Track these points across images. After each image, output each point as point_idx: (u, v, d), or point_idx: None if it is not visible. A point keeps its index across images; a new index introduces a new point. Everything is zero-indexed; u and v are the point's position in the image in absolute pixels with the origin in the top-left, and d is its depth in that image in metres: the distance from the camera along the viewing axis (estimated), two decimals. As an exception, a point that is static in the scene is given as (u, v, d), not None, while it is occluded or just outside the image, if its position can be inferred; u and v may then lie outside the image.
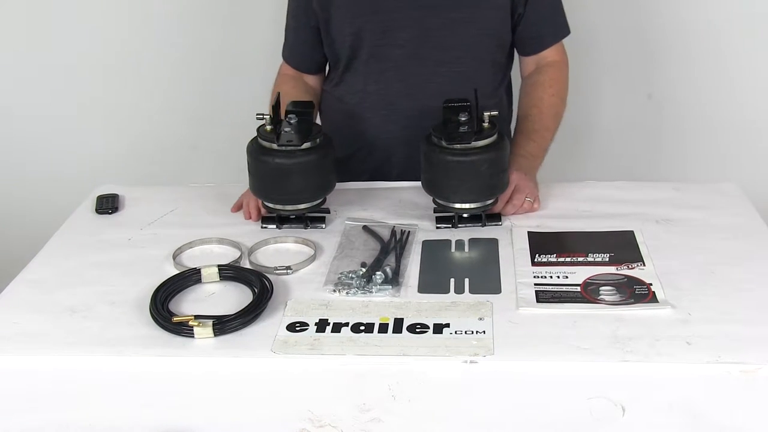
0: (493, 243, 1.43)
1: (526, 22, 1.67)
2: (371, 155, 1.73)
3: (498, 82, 1.73)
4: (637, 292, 1.26)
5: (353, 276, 1.33)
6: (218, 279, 1.34)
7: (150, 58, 2.31)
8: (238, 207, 1.59)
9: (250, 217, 1.55)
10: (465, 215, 1.48)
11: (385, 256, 1.39)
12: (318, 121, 1.69)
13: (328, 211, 1.53)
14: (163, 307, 1.25)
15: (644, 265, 1.33)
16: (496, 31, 1.66)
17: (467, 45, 1.65)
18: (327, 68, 1.79)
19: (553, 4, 1.70)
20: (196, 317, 1.21)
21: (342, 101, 1.72)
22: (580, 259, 1.36)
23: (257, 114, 1.48)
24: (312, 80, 1.79)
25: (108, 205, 1.61)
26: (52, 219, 1.60)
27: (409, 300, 1.27)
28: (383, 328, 1.20)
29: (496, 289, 1.29)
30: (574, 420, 1.02)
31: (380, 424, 1.02)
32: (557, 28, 1.72)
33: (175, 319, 1.22)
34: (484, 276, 1.33)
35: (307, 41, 1.73)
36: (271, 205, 1.49)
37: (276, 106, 1.49)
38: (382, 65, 1.66)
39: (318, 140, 1.47)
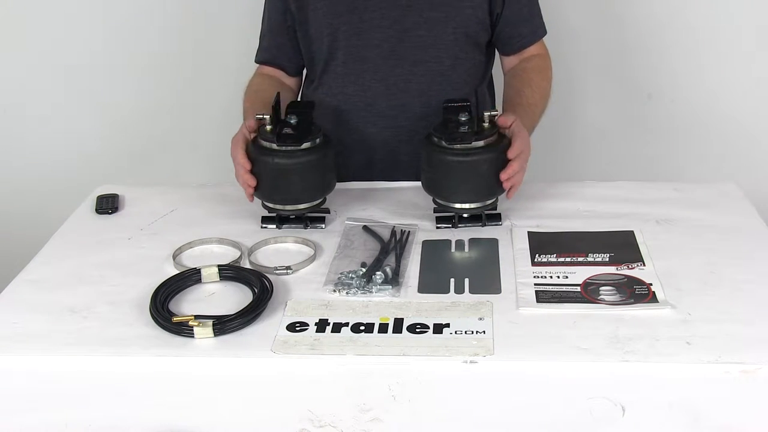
0: (493, 243, 1.43)
1: (504, 21, 1.68)
2: (352, 157, 1.72)
3: (478, 80, 1.73)
4: (637, 292, 1.26)
5: (353, 276, 1.33)
6: (218, 279, 1.34)
7: (150, 57, 2.30)
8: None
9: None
10: (465, 215, 1.48)
11: (385, 256, 1.39)
12: None
13: (328, 211, 1.53)
14: (163, 307, 1.25)
15: (644, 265, 1.33)
16: (472, 30, 1.66)
17: (444, 44, 1.64)
18: (304, 72, 1.79)
19: (530, 5, 1.71)
20: (196, 317, 1.21)
21: (321, 104, 1.68)
22: (580, 259, 1.36)
23: (257, 114, 1.48)
24: (290, 82, 1.78)
25: (108, 205, 1.61)
26: (52, 219, 1.60)
27: (409, 300, 1.27)
28: (383, 328, 1.20)
29: (496, 289, 1.29)
30: (574, 420, 1.02)
31: (380, 424, 1.02)
32: (535, 28, 1.73)
33: (175, 319, 1.21)
34: (484, 276, 1.33)
35: (286, 43, 1.73)
36: (271, 205, 1.49)
37: (276, 106, 1.49)
38: (360, 66, 1.66)
39: (318, 140, 1.47)
